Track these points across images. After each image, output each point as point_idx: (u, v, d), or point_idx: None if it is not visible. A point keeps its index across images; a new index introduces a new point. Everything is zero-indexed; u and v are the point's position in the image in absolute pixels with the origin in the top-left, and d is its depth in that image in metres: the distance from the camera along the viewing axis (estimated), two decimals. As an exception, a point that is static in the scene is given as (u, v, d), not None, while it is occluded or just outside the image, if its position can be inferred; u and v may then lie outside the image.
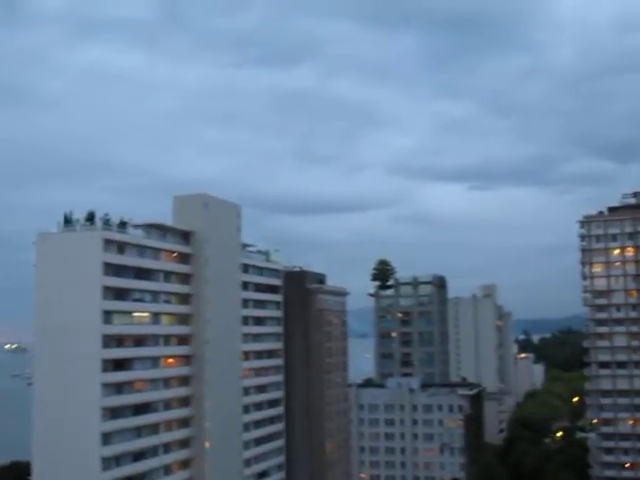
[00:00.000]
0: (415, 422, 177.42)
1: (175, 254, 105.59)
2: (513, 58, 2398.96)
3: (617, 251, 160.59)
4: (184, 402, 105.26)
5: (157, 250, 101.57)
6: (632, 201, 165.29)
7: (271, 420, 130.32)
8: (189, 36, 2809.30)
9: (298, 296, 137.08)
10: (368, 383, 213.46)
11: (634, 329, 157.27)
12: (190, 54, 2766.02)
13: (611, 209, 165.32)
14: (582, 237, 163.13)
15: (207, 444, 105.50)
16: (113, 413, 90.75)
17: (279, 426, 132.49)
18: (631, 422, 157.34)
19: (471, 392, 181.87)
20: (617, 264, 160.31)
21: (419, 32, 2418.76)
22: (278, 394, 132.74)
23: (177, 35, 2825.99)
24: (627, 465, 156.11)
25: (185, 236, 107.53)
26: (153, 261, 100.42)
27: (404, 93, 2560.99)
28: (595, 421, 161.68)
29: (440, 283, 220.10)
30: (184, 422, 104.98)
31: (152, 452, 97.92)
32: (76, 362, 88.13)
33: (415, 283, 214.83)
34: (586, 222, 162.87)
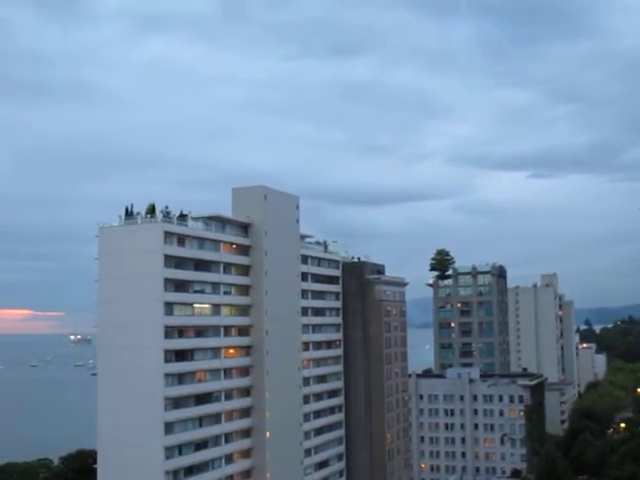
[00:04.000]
0: (475, 412, 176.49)
1: (234, 246, 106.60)
2: (575, 44, 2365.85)
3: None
4: (245, 392, 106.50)
5: (216, 242, 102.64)
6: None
7: (331, 410, 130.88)
8: (250, 29, 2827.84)
9: (357, 287, 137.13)
10: (427, 373, 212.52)
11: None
12: (251, 47, 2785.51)
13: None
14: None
15: (268, 434, 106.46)
16: (175, 403, 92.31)
17: (339, 416, 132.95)
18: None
19: (532, 382, 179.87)
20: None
21: (478, 20, 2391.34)
22: (338, 384, 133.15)
23: (238, 29, 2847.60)
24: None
25: (244, 228, 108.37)
26: (213, 253, 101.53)
27: (463, 81, 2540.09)
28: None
29: (500, 273, 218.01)
30: (245, 412, 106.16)
31: (214, 442, 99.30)
32: (139, 353, 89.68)
33: (474, 273, 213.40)
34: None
